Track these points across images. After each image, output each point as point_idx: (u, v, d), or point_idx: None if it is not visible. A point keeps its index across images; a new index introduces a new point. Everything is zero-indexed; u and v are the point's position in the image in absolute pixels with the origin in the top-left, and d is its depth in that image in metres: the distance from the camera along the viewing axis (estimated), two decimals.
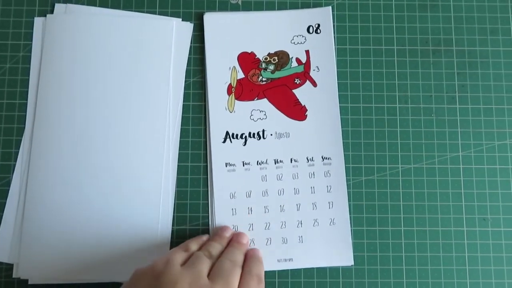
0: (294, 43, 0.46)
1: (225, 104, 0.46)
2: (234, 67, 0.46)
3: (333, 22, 0.47)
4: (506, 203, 0.45)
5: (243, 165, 0.45)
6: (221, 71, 0.46)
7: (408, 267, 0.44)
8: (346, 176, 0.45)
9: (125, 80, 0.45)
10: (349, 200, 0.45)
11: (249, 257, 0.41)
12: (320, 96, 0.46)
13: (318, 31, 0.47)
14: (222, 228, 0.43)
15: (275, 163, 0.45)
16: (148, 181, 0.44)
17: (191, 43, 0.47)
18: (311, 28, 0.47)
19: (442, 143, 0.46)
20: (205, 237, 0.43)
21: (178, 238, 0.44)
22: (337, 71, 0.47)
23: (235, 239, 0.42)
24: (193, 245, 0.40)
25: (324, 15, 0.47)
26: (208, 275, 0.36)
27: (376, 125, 0.46)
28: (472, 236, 0.45)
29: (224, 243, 0.42)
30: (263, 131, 0.45)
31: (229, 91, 0.46)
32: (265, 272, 0.43)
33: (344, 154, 0.45)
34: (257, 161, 0.45)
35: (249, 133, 0.45)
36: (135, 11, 0.47)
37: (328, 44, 0.47)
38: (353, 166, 0.46)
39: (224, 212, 0.44)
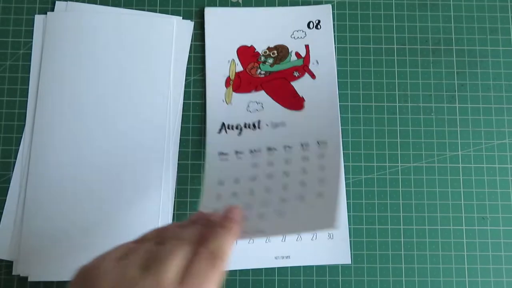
0: (294, 37, 0.47)
1: (223, 96, 0.46)
2: (233, 60, 0.46)
3: (333, 20, 0.48)
4: (505, 202, 0.45)
5: (236, 154, 0.44)
6: (220, 64, 0.46)
7: (407, 266, 0.44)
8: (346, 175, 0.45)
9: (125, 77, 0.45)
10: (348, 199, 0.45)
11: (216, 223, 0.33)
12: (319, 88, 0.46)
13: (319, 26, 0.47)
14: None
15: (267, 150, 0.44)
16: (147, 180, 0.44)
17: (191, 41, 0.47)
18: (311, 23, 0.47)
19: (441, 142, 0.46)
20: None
21: None
22: (337, 69, 0.47)
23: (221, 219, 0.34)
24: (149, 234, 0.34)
25: (324, 12, 0.47)
26: None
27: (376, 124, 0.46)
28: (471, 234, 0.45)
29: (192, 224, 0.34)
30: (259, 121, 0.45)
31: (227, 84, 0.46)
32: (264, 269, 0.44)
33: (344, 153, 0.46)
34: (250, 150, 0.44)
35: (245, 124, 0.45)
36: (136, 9, 0.47)
37: (328, 39, 0.47)
38: (352, 164, 0.46)
39: (212, 199, 0.43)
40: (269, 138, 0.45)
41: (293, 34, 0.47)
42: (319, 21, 0.47)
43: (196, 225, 0.34)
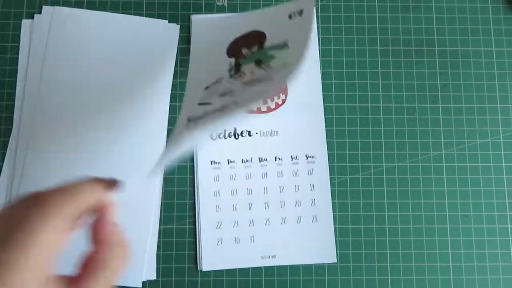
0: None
1: None
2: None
3: (317, 23, 0.48)
4: (488, 200, 0.46)
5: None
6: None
7: (392, 264, 0.45)
8: (331, 175, 0.46)
9: (112, 81, 0.46)
10: (333, 198, 0.45)
11: (109, 249, 0.29)
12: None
13: (301, 14, 0.45)
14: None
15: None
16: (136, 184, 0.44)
17: (178, 44, 0.48)
18: (292, 14, 0.43)
19: (425, 141, 0.47)
20: None
21: (165, 237, 0.44)
22: (321, 71, 0.47)
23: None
24: None
25: (306, 2, 0.46)
26: None
27: (360, 124, 0.47)
28: (455, 233, 0.45)
29: None
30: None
31: None
32: (251, 269, 0.44)
33: (329, 153, 0.46)
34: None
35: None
36: (122, 13, 0.48)
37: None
38: (338, 164, 0.46)
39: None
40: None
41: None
42: (301, 11, 0.45)
43: None
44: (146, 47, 0.47)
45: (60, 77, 0.46)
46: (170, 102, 0.47)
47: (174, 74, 0.47)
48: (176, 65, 0.47)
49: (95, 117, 0.45)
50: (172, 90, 0.47)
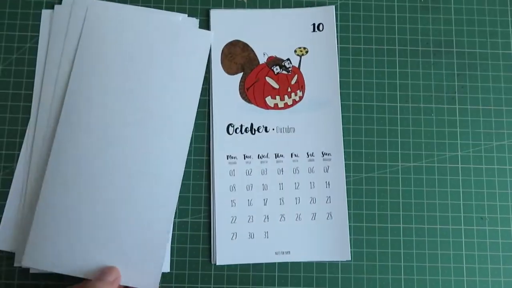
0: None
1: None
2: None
3: (336, 21, 0.48)
4: (503, 202, 0.46)
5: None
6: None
7: (406, 264, 0.45)
8: (347, 173, 0.46)
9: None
10: (349, 197, 0.45)
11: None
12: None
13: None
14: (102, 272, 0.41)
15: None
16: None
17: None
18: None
19: (441, 142, 0.47)
20: None
21: (180, 230, 0.44)
22: (339, 69, 0.47)
23: (99, 277, 0.40)
24: None
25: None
26: None
27: (377, 123, 0.47)
28: (470, 234, 0.45)
29: None
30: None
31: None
32: (265, 265, 0.44)
33: (345, 151, 0.46)
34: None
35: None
36: (142, 5, 0.48)
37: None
38: (353, 163, 0.46)
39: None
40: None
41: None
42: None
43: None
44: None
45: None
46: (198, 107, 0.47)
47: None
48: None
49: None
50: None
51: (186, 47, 0.47)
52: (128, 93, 0.45)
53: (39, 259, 0.42)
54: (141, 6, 0.48)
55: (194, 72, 0.47)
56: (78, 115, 0.44)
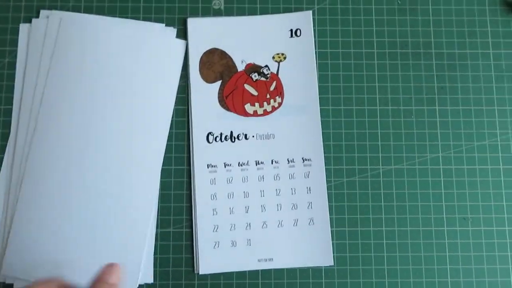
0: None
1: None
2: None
3: (314, 26, 0.48)
4: (486, 202, 0.46)
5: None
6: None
7: (389, 267, 0.45)
8: (328, 178, 0.46)
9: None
10: (330, 202, 0.45)
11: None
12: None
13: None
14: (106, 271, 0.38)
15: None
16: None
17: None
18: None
19: (422, 144, 0.47)
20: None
21: (162, 241, 0.44)
22: (318, 74, 0.47)
23: (100, 277, 0.37)
24: None
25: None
26: None
27: (357, 127, 0.47)
28: (453, 235, 0.45)
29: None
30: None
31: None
32: (248, 272, 0.44)
33: (325, 156, 0.46)
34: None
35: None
36: (119, 16, 0.48)
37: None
38: (334, 167, 0.46)
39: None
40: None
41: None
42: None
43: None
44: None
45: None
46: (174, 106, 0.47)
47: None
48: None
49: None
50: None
51: (159, 57, 0.47)
52: (104, 102, 0.46)
53: (18, 267, 0.42)
54: (118, 17, 0.48)
55: (168, 80, 0.47)
56: (53, 122, 0.45)
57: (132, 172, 0.45)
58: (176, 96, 0.47)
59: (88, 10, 0.48)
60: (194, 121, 0.46)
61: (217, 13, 0.49)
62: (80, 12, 0.48)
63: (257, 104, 0.47)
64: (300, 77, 0.47)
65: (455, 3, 0.49)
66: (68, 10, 0.48)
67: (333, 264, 0.44)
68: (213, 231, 0.44)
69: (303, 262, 0.44)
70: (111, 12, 0.48)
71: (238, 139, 0.46)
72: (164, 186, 0.45)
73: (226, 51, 0.48)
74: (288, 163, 0.46)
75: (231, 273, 0.44)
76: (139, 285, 0.43)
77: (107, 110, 0.46)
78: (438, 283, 0.44)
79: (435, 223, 0.45)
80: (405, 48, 0.48)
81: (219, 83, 0.47)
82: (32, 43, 0.47)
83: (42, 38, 0.47)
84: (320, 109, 0.47)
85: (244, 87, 0.47)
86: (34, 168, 0.44)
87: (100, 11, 0.48)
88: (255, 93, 0.47)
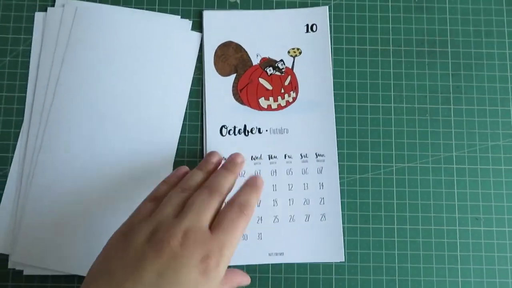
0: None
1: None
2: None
3: (330, 22, 0.48)
4: (499, 203, 0.46)
5: None
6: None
7: (400, 265, 0.44)
8: (340, 174, 0.46)
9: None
10: (342, 198, 0.45)
11: (243, 185, 0.38)
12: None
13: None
14: (208, 154, 0.41)
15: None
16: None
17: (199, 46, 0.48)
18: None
19: (436, 143, 0.47)
20: (183, 169, 0.39)
21: None
22: (333, 70, 0.47)
23: (224, 163, 0.39)
24: (163, 186, 0.38)
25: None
26: None
27: (371, 124, 0.47)
28: (465, 235, 0.45)
29: (209, 169, 0.39)
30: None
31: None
32: (258, 266, 0.44)
33: (339, 152, 0.46)
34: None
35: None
36: (135, 7, 0.48)
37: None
38: (347, 164, 0.46)
39: None
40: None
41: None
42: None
43: (225, 173, 0.38)
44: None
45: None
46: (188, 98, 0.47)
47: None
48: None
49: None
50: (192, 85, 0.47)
51: (174, 48, 0.47)
52: (118, 93, 0.45)
53: (29, 254, 0.42)
54: (134, 7, 0.48)
55: (183, 72, 0.47)
56: (67, 112, 0.45)
57: (145, 165, 0.45)
58: (191, 89, 0.47)
59: (104, 0, 0.48)
60: (208, 114, 0.46)
61: (233, 6, 0.49)
62: (96, 2, 0.48)
63: (271, 99, 0.47)
64: (315, 73, 0.47)
65: (472, 2, 0.49)
66: None
67: (344, 260, 0.44)
68: None
69: (314, 257, 0.44)
70: (126, 3, 0.48)
71: (252, 132, 0.46)
72: None
73: (241, 45, 0.47)
74: (301, 158, 0.45)
75: (241, 266, 0.44)
76: None
77: (120, 101, 0.45)
78: (448, 282, 0.44)
79: (447, 222, 0.45)
80: (421, 46, 0.48)
81: (233, 76, 0.47)
82: (47, 31, 0.47)
83: (57, 27, 0.47)
84: (335, 105, 0.46)
85: (258, 81, 0.47)
86: (47, 155, 0.44)
87: (115, 2, 0.48)
88: (269, 87, 0.47)
